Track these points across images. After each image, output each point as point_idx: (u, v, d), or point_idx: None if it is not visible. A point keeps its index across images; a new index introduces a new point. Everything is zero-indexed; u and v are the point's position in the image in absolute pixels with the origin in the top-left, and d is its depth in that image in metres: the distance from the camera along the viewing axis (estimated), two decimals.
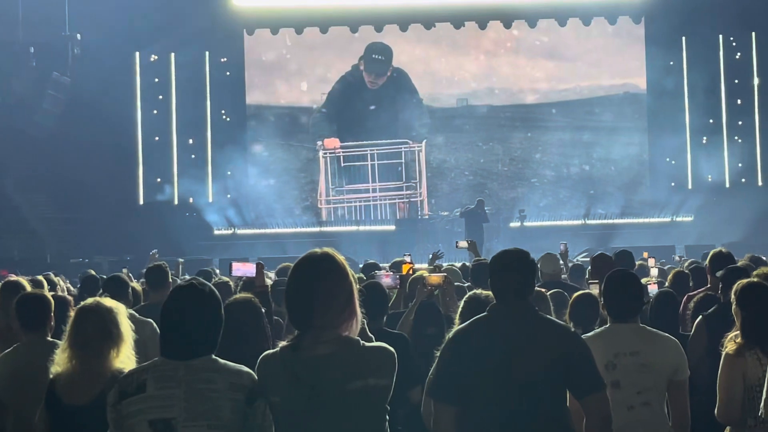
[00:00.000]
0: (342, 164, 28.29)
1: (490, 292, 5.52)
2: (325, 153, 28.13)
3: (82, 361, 4.49)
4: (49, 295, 5.98)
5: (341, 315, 3.82)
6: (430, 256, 11.87)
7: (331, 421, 3.71)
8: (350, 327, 3.88)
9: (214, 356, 3.92)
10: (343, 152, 28.20)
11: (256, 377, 3.87)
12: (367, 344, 3.92)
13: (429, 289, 6.99)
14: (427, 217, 27.28)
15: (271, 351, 3.96)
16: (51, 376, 4.57)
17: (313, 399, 3.72)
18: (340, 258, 3.95)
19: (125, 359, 4.52)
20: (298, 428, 3.76)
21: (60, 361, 4.53)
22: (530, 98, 29.29)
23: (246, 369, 3.95)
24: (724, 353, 5.36)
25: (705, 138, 28.41)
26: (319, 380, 3.73)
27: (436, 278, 7.46)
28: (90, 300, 4.76)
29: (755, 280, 5.68)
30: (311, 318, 3.79)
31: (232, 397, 3.83)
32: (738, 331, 5.35)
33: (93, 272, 13.60)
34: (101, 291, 7.88)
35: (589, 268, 9.60)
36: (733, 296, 5.46)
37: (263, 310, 5.50)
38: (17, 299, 5.82)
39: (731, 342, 5.34)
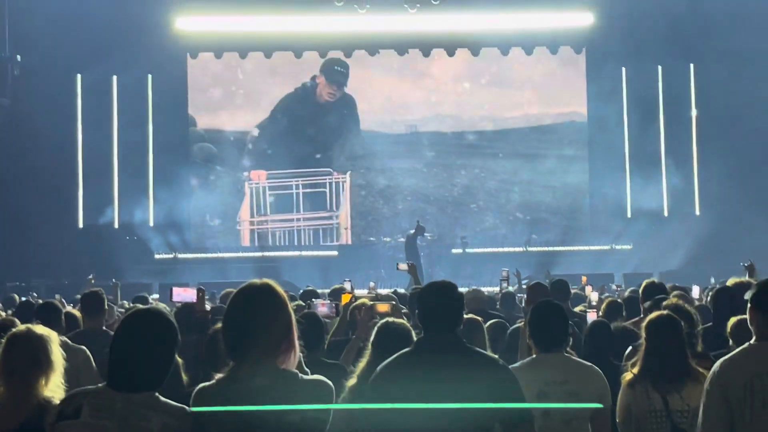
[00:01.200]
0: (268, 194, 28.36)
1: (402, 321, 5.70)
2: (251, 184, 28.20)
3: (9, 388, 4.45)
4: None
5: (279, 347, 3.81)
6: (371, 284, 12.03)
7: None
8: (288, 359, 3.86)
9: (156, 394, 3.89)
10: (269, 183, 28.29)
11: (191, 407, 3.84)
12: (305, 377, 3.90)
13: (374, 321, 7.07)
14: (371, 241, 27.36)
15: (207, 383, 3.92)
16: None
17: (251, 431, 3.72)
18: (280, 289, 3.93)
19: (54, 388, 4.47)
20: None
21: None
22: (476, 125, 29.36)
23: (186, 410, 3.89)
24: (622, 381, 5.59)
25: (644, 167, 28.76)
26: (255, 412, 3.69)
27: (383, 307, 7.60)
28: (21, 327, 4.74)
29: (664, 313, 5.79)
30: (248, 349, 3.78)
31: None
32: (635, 361, 5.55)
33: (24, 298, 13.62)
34: (34, 317, 7.71)
35: (525, 296, 9.78)
36: (642, 325, 5.68)
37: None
38: None
39: (628, 372, 5.54)
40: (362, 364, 5.31)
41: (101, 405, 3.84)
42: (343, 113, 28.61)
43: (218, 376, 3.92)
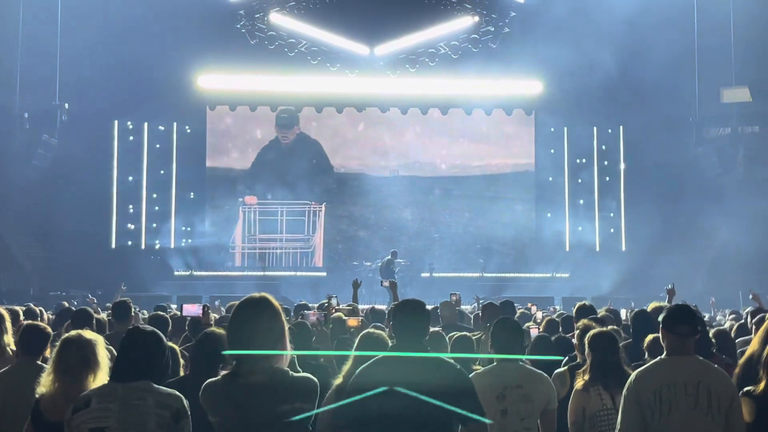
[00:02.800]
0: (258, 217, 28.36)
1: (380, 332, 5.73)
2: (245, 207, 28.25)
3: (63, 384, 4.46)
4: (48, 328, 5.96)
5: (273, 349, 3.85)
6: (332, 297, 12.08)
7: None
8: (281, 359, 3.91)
9: (150, 382, 4.09)
10: (259, 207, 28.31)
11: (200, 399, 3.91)
12: (295, 374, 3.93)
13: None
14: (354, 265, 27.33)
15: (213, 379, 3.96)
16: (36, 395, 4.55)
17: (249, 419, 3.75)
18: (275, 302, 3.98)
19: (100, 382, 4.47)
20: None
21: (45, 383, 4.50)
22: (444, 172, 29.43)
23: (176, 393, 4.11)
24: (573, 388, 5.63)
25: (580, 209, 28.93)
26: (253, 404, 3.76)
27: (354, 321, 7.65)
28: (73, 332, 4.73)
29: (605, 329, 5.87)
30: (248, 354, 3.82)
31: (157, 413, 3.98)
32: (585, 369, 5.60)
33: (67, 304, 13.64)
34: (69, 321, 7.80)
35: (479, 313, 9.82)
36: (585, 341, 5.73)
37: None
38: (23, 328, 5.80)
39: (580, 378, 5.60)
40: (347, 366, 5.33)
41: (105, 393, 4.05)
42: (309, 155, 28.75)
43: (223, 372, 3.97)
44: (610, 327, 6.61)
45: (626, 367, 5.59)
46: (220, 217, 28.01)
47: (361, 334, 5.62)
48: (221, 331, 5.45)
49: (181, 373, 5.85)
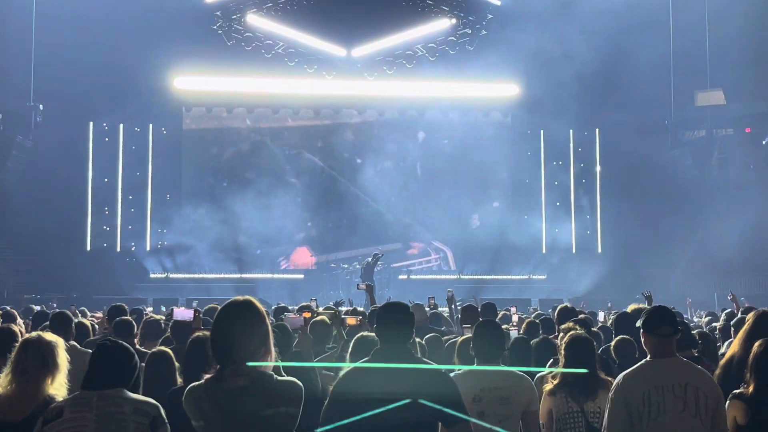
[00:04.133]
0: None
1: (373, 334, 5.66)
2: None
3: (19, 384, 4.37)
4: (17, 329, 5.85)
5: (257, 352, 3.78)
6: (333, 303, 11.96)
7: None
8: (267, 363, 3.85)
9: (123, 389, 4.04)
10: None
11: (183, 404, 3.81)
12: (279, 378, 3.86)
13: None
14: (332, 267, 27.26)
15: (196, 383, 3.87)
16: None
17: (233, 423, 3.69)
18: (259, 305, 3.91)
19: (58, 386, 4.43)
20: None
21: (2, 384, 4.41)
22: (421, 173, 29.45)
23: (153, 401, 4.08)
24: (543, 391, 5.58)
25: (557, 212, 29.02)
26: (237, 407, 3.69)
27: (352, 320, 7.62)
28: (33, 333, 4.66)
29: (581, 334, 5.76)
30: (232, 355, 3.75)
31: (136, 420, 3.92)
32: (556, 373, 5.54)
33: (36, 308, 13.45)
34: (47, 324, 7.63)
35: (459, 315, 9.75)
36: (561, 344, 5.70)
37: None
38: None
39: (549, 383, 5.55)
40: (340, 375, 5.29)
41: (79, 402, 3.94)
42: None
43: (206, 376, 3.88)
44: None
45: (601, 373, 5.54)
46: (197, 218, 27.72)
47: (355, 337, 5.57)
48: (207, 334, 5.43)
49: (178, 378, 5.73)
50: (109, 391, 3.97)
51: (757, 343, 5.06)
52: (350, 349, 5.36)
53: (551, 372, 5.88)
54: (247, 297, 3.94)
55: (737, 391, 4.92)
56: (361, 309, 11.14)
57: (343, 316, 7.83)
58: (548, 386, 5.51)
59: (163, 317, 9.36)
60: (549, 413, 5.45)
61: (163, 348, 6.31)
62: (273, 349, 3.90)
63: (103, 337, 7.79)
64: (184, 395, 3.84)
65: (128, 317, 8.33)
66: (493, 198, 29.11)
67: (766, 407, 4.78)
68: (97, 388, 3.98)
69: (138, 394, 4.16)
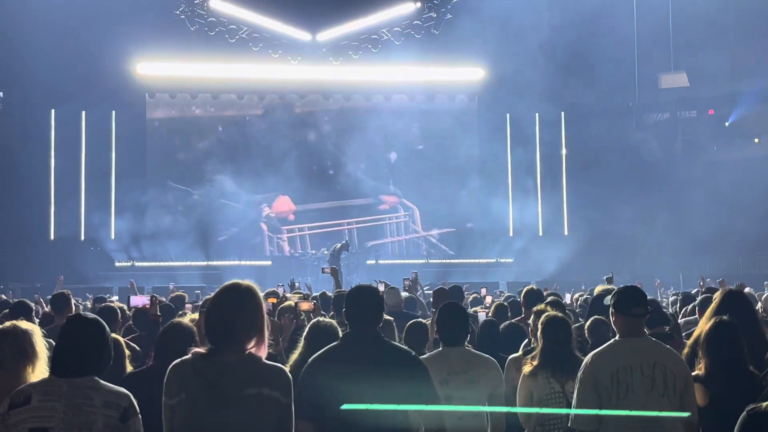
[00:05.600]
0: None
1: (330, 320, 5.64)
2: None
3: None
4: None
5: (251, 338, 3.79)
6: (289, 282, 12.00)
7: (227, 419, 3.66)
8: (258, 351, 3.84)
9: (96, 378, 3.94)
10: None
11: (165, 379, 3.80)
12: (268, 362, 3.86)
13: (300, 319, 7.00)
14: (298, 254, 27.18)
15: (182, 358, 3.86)
16: None
17: (214, 397, 3.68)
18: (258, 291, 3.92)
19: (40, 374, 4.29)
20: (199, 422, 3.68)
21: None
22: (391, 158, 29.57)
23: (124, 391, 3.98)
24: (521, 373, 5.60)
25: (523, 195, 29.11)
26: (221, 381, 3.69)
27: (306, 305, 7.55)
28: (8, 323, 4.52)
29: (558, 314, 5.80)
30: (225, 337, 3.77)
31: (105, 413, 3.84)
32: (535, 354, 5.58)
33: (3, 297, 13.35)
34: (7, 312, 7.64)
35: (431, 299, 9.75)
36: (539, 326, 5.71)
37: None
38: None
39: (528, 364, 5.58)
40: (295, 355, 5.26)
41: (49, 390, 3.85)
42: None
43: (195, 350, 3.87)
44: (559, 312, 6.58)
45: (577, 352, 5.57)
46: (162, 205, 27.47)
47: (310, 323, 5.52)
48: (187, 322, 5.40)
49: (128, 366, 5.73)
50: (80, 380, 3.88)
51: (708, 323, 5.09)
52: (305, 335, 5.32)
53: (526, 355, 5.91)
54: (248, 282, 3.94)
55: (693, 373, 4.93)
56: (329, 293, 11.10)
57: (296, 302, 7.79)
58: (527, 368, 5.52)
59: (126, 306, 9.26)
60: (529, 395, 5.47)
61: (114, 335, 6.28)
62: (267, 338, 3.91)
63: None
64: (170, 369, 3.82)
65: (111, 304, 8.30)
66: (459, 182, 29.06)
67: (720, 384, 4.81)
68: (67, 374, 3.88)
69: (136, 370, 4.00)
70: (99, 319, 4.11)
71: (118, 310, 7.90)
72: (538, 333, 5.64)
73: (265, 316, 3.92)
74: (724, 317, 5.07)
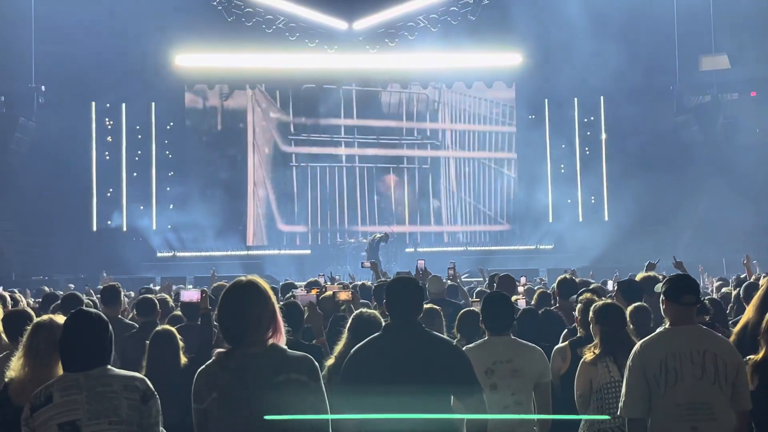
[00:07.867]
0: None
1: (373, 311, 5.64)
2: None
3: (32, 368, 4.33)
4: (31, 312, 5.83)
5: (267, 332, 3.80)
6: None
7: (261, 407, 3.66)
8: (277, 339, 3.86)
9: (108, 366, 4.00)
10: None
11: (194, 386, 3.81)
12: (293, 352, 3.88)
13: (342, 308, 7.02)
14: (338, 243, 27.21)
15: (207, 362, 3.89)
16: (6, 379, 4.43)
17: (247, 390, 3.70)
18: (263, 283, 3.90)
19: None
20: (236, 415, 3.70)
21: (14, 368, 4.38)
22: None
23: (138, 375, 4.08)
24: (581, 361, 5.56)
25: (563, 181, 28.89)
26: (250, 373, 3.72)
27: (344, 295, 7.57)
28: (45, 317, 4.61)
29: (610, 301, 5.79)
30: (242, 336, 3.78)
31: (128, 396, 3.91)
32: (596, 343, 5.52)
33: (52, 289, 13.47)
34: (57, 306, 7.68)
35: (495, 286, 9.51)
36: (591, 315, 5.61)
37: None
38: (5, 314, 5.69)
39: (589, 352, 5.52)
40: (339, 346, 5.29)
41: (67, 385, 3.89)
42: None
43: (217, 350, 3.90)
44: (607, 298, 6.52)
45: (634, 337, 5.52)
46: (202, 196, 27.63)
47: (353, 314, 5.56)
48: None
49: (182, 357, 5.85)
50: (94, 371, 3.93)
51: None
52: (348, 326, 5.36)
53: (572, 345, 5.86)
54: (250, 277, 3.93)
55: (748, 357, 4.89)
56: (369, 283, 11.11)
57: (334, 291, 7.81)
58: (588, 356, 5.47)
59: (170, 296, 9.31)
60: (588, 384, 5.43)
61: (167, 327, 6.33)
62: (283, 326, 3.90)
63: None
64: (197, 375, 3.84)
65: (151, 296, 8.35)
66: (499, 169, 28.93)
67: None
68: (80, 368, 3.93)
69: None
70: (99, 312, 4.17)
71: (157, 302, 7.94)
72: (594, 321, 5.58)
73: (276, 304, 3.91)
74: None
